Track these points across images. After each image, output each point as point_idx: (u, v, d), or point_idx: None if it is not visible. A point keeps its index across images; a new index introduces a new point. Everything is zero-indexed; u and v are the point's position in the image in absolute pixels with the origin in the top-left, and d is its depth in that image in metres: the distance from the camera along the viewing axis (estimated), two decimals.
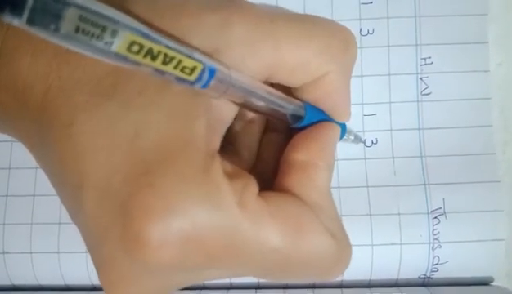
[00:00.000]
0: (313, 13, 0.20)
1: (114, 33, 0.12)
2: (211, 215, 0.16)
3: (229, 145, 0.21)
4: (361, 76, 0.34)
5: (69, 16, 0.11)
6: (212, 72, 0.15)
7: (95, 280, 0.34)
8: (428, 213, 0.33)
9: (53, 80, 0.16)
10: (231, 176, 0.17)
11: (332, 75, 0.19)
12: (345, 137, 0.25)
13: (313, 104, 0.20)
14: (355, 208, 0.33)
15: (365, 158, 0.34)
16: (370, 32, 0.34)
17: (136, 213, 0.15)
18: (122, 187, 0.15)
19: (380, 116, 0.34)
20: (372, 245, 0.33)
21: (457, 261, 0.33)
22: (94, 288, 0.34)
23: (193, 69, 0.15)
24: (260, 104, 0.18)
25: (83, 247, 0.17)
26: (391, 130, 0.34)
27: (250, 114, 0.22)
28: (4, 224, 0.34)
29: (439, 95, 0.34)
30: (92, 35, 0.12)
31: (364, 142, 0.34)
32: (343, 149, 0.34)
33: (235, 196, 0.16)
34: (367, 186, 0.34)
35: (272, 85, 0.19)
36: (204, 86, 0.15)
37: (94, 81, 0.16)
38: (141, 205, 0.15)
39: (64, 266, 0.34)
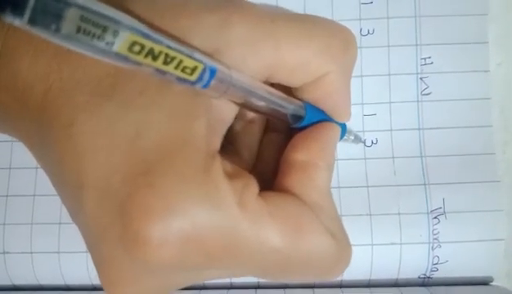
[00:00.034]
0: (313, 13, 0.20)
1: (115, 34, 0.12)
2: (211, 215, 0.16)
3: (229, 145, 0.21)
4: (361, 76, 0.34)
5: (71, 16, 0.12)
6: (212, 72, 0.15)
7: (95, 280, 0.34)
8: (428, 213, 0.33)
9: (53, 80, 0.16)
10: (231, 176, 0.17)
11: (332, 75, 0.19)
12: (345, 137, 0.25)
13: (313, 104, 0.20)
14: (355, 208, 0.33)
15: (365, 158, 0.34)
16: (371, 32, 0.34)
17: (136, 213, 0.15)
18: (121, 187, 0.15)
19: (380, 116, 0.34)
20: (372, 245, 0.33)
21: (457, 261, 0.33)
22: (94, 288, 0.34)
23: (194, 69, 0.15)
24: (260, 104, 0.18)
25: (84, 247, 0.17)
26: (391, 130, 0.34)
27: (250, 114, 0.22)
28: (4, 224, 0.34)
29: (439, 95, 0.34)
30: (93, 35, 0.12)
31: (364, 142, 0.34)
32: (343, 148, 0.34)
33: (235, 196, 0.16)
34: (367, 186, 0.34)
35: (273, 85, 0.19)
36: (205, 86, 0.15)
37: (94, 81, 0.16)
38: (140, 205, 0.15)
39: (64, 266, 0.34)
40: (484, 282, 0.34)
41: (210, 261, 0.16)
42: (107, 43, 0.13)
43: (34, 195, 0.35)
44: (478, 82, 0.34)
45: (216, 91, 0.16)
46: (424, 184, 0.33)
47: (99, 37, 0.12)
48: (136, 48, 0.13)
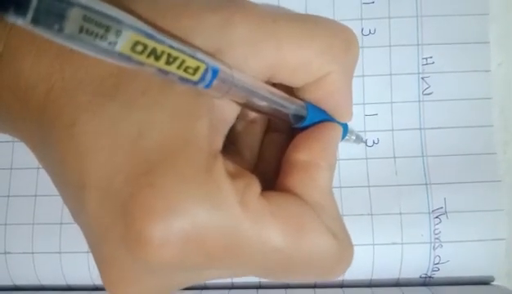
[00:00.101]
0: (315, 13, 0.20)
1: (118, 33, 0.12)
2: (212, 214, 0.16)
3: (231, 145, 0.21)
4: (363, 76, 0.34)
5: (73, 16, 0.12)
6: (215, 72, 0.15)
7: (96, 280, 0.34)
8: (429, 213, 0.33)
9: (56, 80, 0.16)
10: (233, 176, 0.17)
11: (334, 75, 0.19)
12: (347, 137, 0.25)
13: (315, 104, 0.20)
14: (356, 208, 0.33)
15: (366, 158, 0.34)
16: (372, 32, 0.34)
17: (138, 213, 0.15)
18: (124, 187, 0.15)
19: (382, 116, 0.34)
20: (373, 244, 0.33)
21: (458, 261, 0.33)
22: (96, 288, 0.34)
23: (196, 69, 0.15)
24: (262, 104, 0.18)
25: (85, 247, 0.17)
26: (392, 130, 0.34)
27: (252, 114, 0.22)
28: (6, 224, 0.34)
29: (440, 94, 0.34)
30: (96, 35, 0.12)
31: (365, 142, 0.34)
32: (345, 148, 0.34)
33: (236, 196, 0.16)
34: (369, 186, 0.34)
35: (274, 85, 0.19)
36: (207, 86, 0.15)
37: (97, 81, 0.16)
38: (142, 205, 0.15)
39: (65, 266, 0.34)
40: (485, 282, 0.34)
41: (211, 261, 0.16)
42: (110, 43, 0.13)
43: (36, 195, 0.35)
44: (479, 82, 0.34)
45: (218, 91, 0.16)
46: (426, 184, 0.33)
47: (102, 37, 0.12)
48: (139, 48, 0.13)
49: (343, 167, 0.34)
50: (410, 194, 0.33)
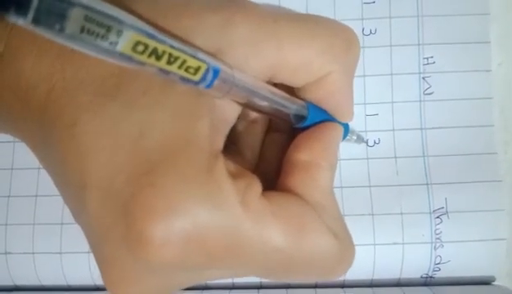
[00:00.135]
0: (316, 13, 0.20)
1: (119, 33, 0.12)
2: (213, 214, 0.16)
3: (232, 145, 0.21)
4: (364, 76, 0.34)
5: (75, 16, 0.12)
6: (216, 72, 0.15)
7: (97, 280, 0.34)
8: (430, 213, 0.33)
9: (57, 80, 0.16)
10: (234, 176, 0.17)
11: (335, 75, 0.19)
12: (348, 137, 0.25)
13: (316, 103, 0.20)
14: (357, 208, 0.33)
15: (367, 158, 0.34)
16: (373, 31, 0.34)
17: (139, 213, 0.15)
18: (125, 187, 0.15)
19: (383, 116, 0.34)
20: (374, 244, 0.33)
21: (459, 261, 0.33)
22: (96, 288, 0.34)
23: (197, 69, 0.15)
24: (263, 104, 0.18)
25: (86, 248, 0.17)
26: (393, 130, 0.34)
27: (253, 114, 0.22)
28: (6, 224, 0.34)
29: (441, 94, 0.34)
30: (97, 35, 0.12)
31: (366, 142, 0.34)
32: (346, 148, 0.34)
33: (238, 195, 0.16)
34: (369, 186, 0.34)
35: (275, 85, 0.19)
36: (208, 86, 0.15)
37: (98, 81, 0.16)
38: (143, 205, 0.15)
39: (66, 266, 0.34)
40: (486, 282, 0.34)
41: (212, 261, 0.16)
42: (111, 43, 0.13)
43: (36, 196, 0.35)
44: (479, 82, 0.34)
45: (219, 91, 0.16)
46: (427, 184, 0.33)
47: (103, 37, 0.12)
48: (140, 48, 0.13)
49: (344, 167, 0.34)
50: (411, 194, 0.33)
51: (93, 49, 0.13)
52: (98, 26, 0.12)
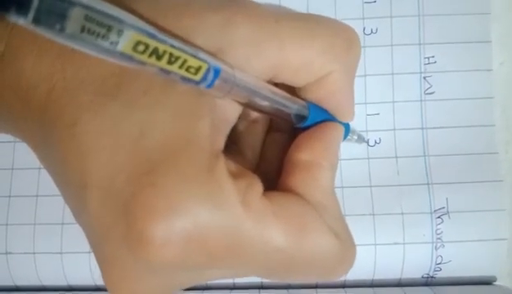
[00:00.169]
0: (317, 12, 0.20)
1: (119, 33, 0.12)
2: (214, 214, 0.16)
3: (233, 145, 0.21)
4: (365, 75, 0.34)
5: (75, 16, 0.12)
6: (217, 72, 0.15)
7: (98, 280, 0.34)
8: (431, 213, 0.33)
9: (57, 80, 0.16)
10: (235, 176, 0.17)
11: (335, 74, 0.19)
12: (349, 137, 0.25)
13: (317, 103, 0.20)
14: (358, 208, 0.33)
15: (368, 158, 0.34)
16: (374, 31, 0.34)
17: (139, 213, 0.15)
18: (125, 186, 0.15)
19: (383, 115, 0.34)
20: (375, 245, 0.33)
21: (460, 261, 0.33)
22: (97, 289, 0.34)
23: (198, 69, 0.15)
24: (264, 103, 0.18)
25: (86, 248, 0.17)
26: (394, 129, 0.34)
27: (254, 114, 0.22)
28: (7, 224, 0.34)
29: (442, 94, 0.34)
30: (98, 35, 0.12)
31: (367, 142, 0.34)
32: (347, 148, 0.34)
33: (238, 195, 0.16)
34: (370, 186, 0.34)
35: (276, 84, 0.19)
36: (209, 85, 0.15)
37: (98, 81, 0.16)
38: (143, 204, 0.15)
39: (67, 267, 0.34)
40: (487, 282, 0.34)
41: (213, 261, 0.16)
42: (111, 43, 0.12)
43: (37, 196, 0.35)
44: (481, 81, 0.34)
45: (220, 90, 0.16)
46: (428, 184, 0.33)
47: (103, 37, 0.12)
48: (141, 48, 0.13)
49: (344, 167, 0.34)
50: (412, 194, 0.33)
51: (94, 49, 0.13)
52: (99, 26, 0.12)
